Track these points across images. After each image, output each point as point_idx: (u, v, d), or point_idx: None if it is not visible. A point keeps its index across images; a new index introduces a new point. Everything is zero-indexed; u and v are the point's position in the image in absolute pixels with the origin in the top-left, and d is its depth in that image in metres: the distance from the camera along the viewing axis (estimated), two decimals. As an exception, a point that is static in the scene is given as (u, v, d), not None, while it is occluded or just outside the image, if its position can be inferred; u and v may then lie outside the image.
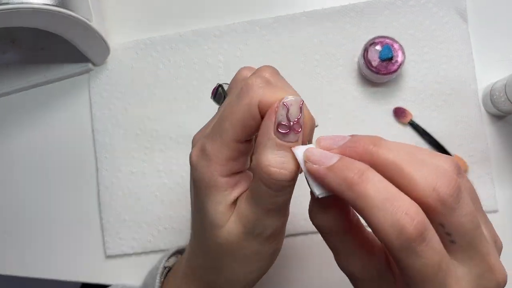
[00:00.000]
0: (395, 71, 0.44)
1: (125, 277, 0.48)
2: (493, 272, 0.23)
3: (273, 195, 0.26)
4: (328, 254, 0.28)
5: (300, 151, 0.25)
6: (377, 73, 0.44)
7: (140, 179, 0.48)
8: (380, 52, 0.44)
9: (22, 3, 0.37)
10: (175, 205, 0.48)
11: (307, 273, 0.46)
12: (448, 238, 0.22)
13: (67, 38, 0.44)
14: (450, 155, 0.46)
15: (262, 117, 0.26)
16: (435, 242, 0.22)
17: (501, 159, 0.46)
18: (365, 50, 0.45)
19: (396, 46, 0.44)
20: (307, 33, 0.49)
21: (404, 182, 0.22)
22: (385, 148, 0.23)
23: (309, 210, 0.26)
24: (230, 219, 0.28)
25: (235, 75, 0.31)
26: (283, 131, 0.25)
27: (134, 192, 0.48)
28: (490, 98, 0.45)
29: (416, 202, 0.22)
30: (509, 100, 0.42)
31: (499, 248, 0.25)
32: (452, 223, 0.22)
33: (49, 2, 0.39)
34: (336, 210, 0.25)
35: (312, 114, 0.29)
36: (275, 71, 0.28)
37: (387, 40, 0.45)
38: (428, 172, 0.22)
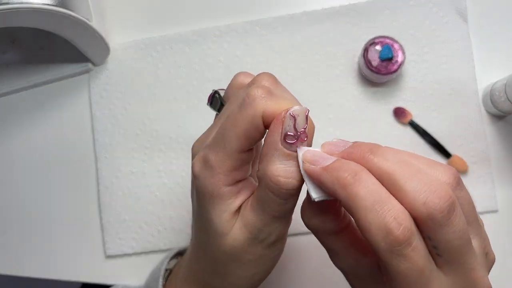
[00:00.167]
0: (395, 71, 0.44)
1: (125, 277, 0.48)
2: (476, 287, 0.23)
3: (282, 203, 0.26)
4: (327, 254, 0.28)
5: (301, 153, 0.25)
6: (377, 73, 0.44)
7: (140, 179, 0.48)
8: (380, 52, 0.44)
9: (22, 3, 0.37)
10: (175, 205, 0.48)
11: (307, 273, 0.46)
12: (435, 250, 0.23)
13: (67, 38, 0.44)
14: (450, 155, 0.46)
15: (266, 127, 0.26)
16: (421, 249, 0.22)
17: (501, 159, 0.46)
18: (365, 50, 0.45)
19: (396, 46, 0.44)
20: (307, 33, 0.48)
21: (396, 193, 0.22)
22: (381, 157, 0.23)
23: (301, 211, 0.27)
24: (234, 226, 0.28)
25: (231, 80, 0.31)
26: (291, 142, 0.25)
27: (134, 192, 0.48)
28: (490, 98, 0.45)
29: (407, 211, 0.22)
30: (509, 100, 0.42)
31: (490, 261, 0.25)
32: (439, 240, 0.22)
33: (49, 2, 0.39)
34: (329, 214, 0.26)
35: (312, 114, 0.29)
36: (274, 79, 0.28)
37: (387, 40, 0.45)
38: (421, 185, 0.22)
